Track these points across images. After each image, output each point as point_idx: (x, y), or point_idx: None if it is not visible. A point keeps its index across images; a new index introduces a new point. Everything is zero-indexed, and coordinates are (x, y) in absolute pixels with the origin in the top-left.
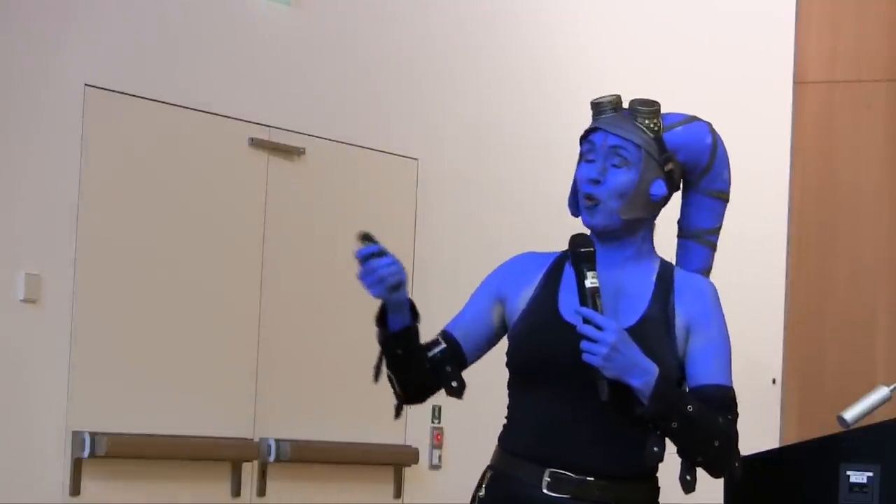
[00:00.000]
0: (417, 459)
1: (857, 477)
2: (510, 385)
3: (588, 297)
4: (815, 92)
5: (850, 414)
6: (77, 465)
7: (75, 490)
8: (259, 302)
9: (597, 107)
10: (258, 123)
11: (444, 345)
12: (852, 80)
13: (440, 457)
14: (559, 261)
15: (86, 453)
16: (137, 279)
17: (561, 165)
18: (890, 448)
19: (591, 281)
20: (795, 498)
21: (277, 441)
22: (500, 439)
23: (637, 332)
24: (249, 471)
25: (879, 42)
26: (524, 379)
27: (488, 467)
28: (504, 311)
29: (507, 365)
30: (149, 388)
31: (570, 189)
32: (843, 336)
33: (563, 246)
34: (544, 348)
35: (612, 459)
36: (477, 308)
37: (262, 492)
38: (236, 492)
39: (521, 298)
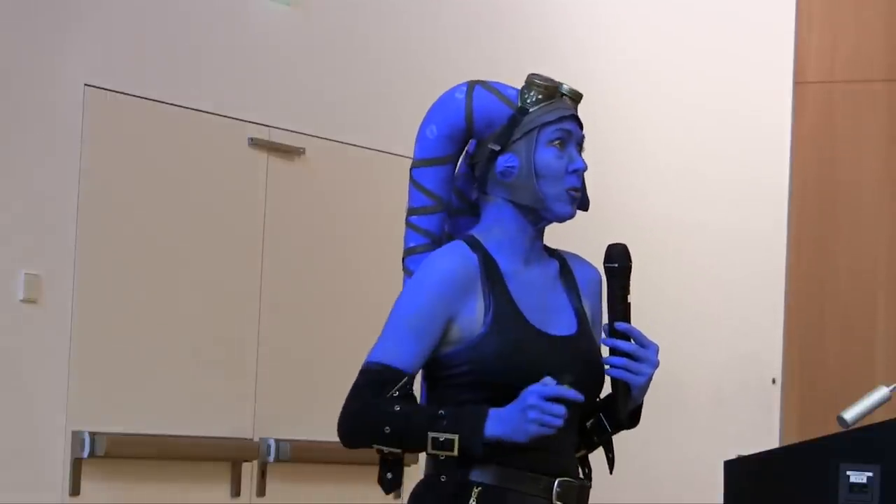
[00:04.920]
0: (417, 459)
1: (857, 477)
2: (485, 401)
3: (628, 314)
4: (815, 92)
5: (850, 414)
6: (77, 465)
7: (75, 490)
8: (259, 302)
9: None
10: (258, 123)
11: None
12: (852, 80)
13: None
14: (484, 258)
15: (85, 453)
16: (137, 279)
17: None
18: (890, 448)
19: (629, 297)
20: (795, 498)
21: (277, 441)
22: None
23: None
24: (249, 471)
25: (879, 42)
26: (512, 395)
27: (475, 483)
28: (452, 327)
29: (491, 382)
30: (149, 388)
31: (530, 174)
32: (843, 336)
33: (565, 242)
34: (543, 364)
35: (575, 462)
36: (430, 342)
37: (261, 492)
38: (236, 492)
39: (477, 311)
